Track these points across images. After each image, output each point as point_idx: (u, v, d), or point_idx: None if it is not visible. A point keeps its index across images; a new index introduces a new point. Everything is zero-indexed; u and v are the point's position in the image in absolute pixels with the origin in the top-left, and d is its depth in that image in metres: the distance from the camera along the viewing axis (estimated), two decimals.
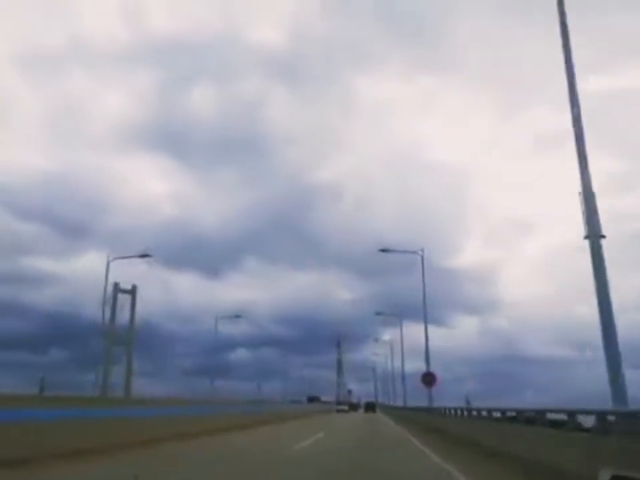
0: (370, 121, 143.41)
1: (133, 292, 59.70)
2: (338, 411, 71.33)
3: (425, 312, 31.66)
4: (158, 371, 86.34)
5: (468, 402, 48.05)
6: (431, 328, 30.76)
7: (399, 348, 57.63)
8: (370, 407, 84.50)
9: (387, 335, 75.50)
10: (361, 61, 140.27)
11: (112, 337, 57.24)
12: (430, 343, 31.37)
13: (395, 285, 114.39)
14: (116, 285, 58.90)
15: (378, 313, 56.21)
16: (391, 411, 65.17)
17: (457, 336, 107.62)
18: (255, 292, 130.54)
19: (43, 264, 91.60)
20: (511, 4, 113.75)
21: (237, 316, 60.51)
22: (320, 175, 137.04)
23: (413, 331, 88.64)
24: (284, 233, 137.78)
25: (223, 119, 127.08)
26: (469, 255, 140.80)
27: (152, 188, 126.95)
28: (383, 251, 32.58)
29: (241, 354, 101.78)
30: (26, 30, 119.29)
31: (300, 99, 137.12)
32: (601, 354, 8.84)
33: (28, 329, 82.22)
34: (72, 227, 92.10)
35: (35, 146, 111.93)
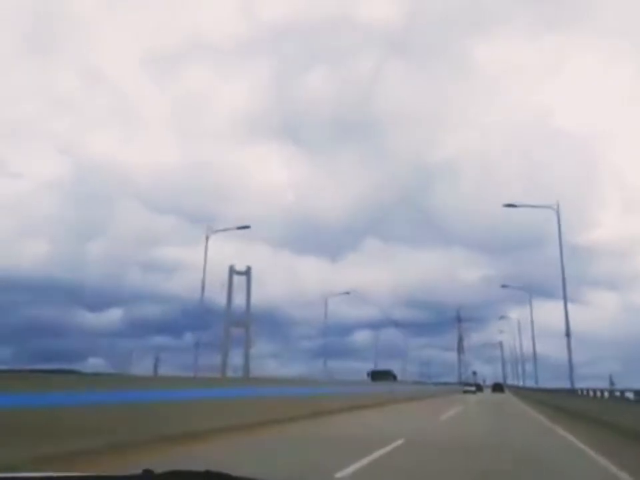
0: (491, 89, 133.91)
1: (247, 273, 59.98)
2: (465, 391, 68.79)
3: (563, 277, 27.29)
4: (282, 353, 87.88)
5: (612, 383, 42.71)
6: (560, 304, 26.33)
7: (526, 327, 54.03)
8: (497, 388, 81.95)
9: (514, 313, 69.46)
10: (480, 26, 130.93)
11: (229, 318, 57.99)
12: (560, 321, 27.00)
13: (522, 261, 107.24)
14: (231, 268, 59.55)
15: (504, 286, 51.63)
16: (521, 392, 61.59)
17: (593, 313, 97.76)
18: (375, 273, 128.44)
19: (176, 253, 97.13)
20: None
21: (347, 293, 58.67)
22: (439, 151, 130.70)
23: (543, 310, 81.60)
24: (404, 212, 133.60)
25: (339, 100, 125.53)
26: (605, 227, 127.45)
27: (273, 175, 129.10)
28: (509, 206, 28.39)
29: (362, 335, 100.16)
30: (148, 31, 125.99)
31: (416, 74, 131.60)
32: None
33: (167, 315, 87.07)
34: (200, 217, 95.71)
35: (163, 142, 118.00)
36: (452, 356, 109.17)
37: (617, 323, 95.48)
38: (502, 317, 73.55)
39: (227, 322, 57.50)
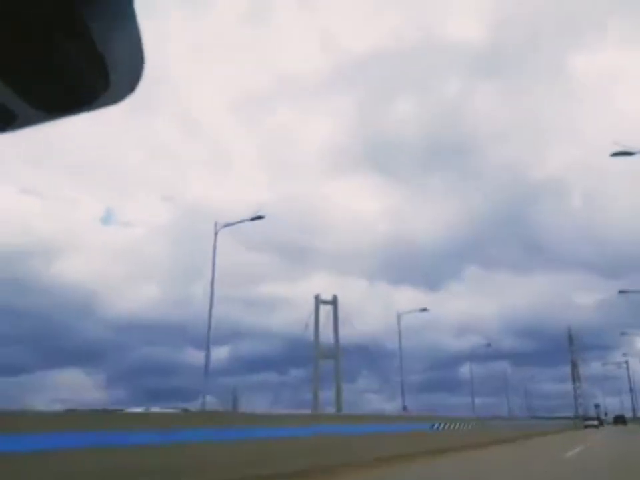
0: (592, 101, 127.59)
1: (334, 303, 57.29)
2: (586, 426, 63.04)
3: None
4: (384, 388, 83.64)
5: None
6: None
7: None
8: (619, 420, 79.56)
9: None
10: (574, 36, 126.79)
11: (318, 350, 55.15)
12: None
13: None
14: (317, 297, 57.14)
15: (622, 291, 45.28)
16: None
17: None
18: (478, 301, 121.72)
19: (274, 289, 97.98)
20: None
21: (423, 309, 53.78)
22: (540, 170, 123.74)
23: None
24: (505, 236, 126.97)
25: (428, 126, 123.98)
26: None
27: (364, 207, 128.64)
28: (620, 154, 24.24)
29: (467, 368, 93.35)
30: (237, 76, 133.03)
31: (508, 91, 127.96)
32: None
33: (271, 351, 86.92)
34: (296, 253, 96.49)
35: (254, 182, 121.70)
36: (568, 387, 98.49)
37: None
38: (623, 333, 65.06)
39: (316, 355, 54.67)
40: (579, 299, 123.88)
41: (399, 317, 49.18)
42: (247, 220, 29.20)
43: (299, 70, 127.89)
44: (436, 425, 20.82)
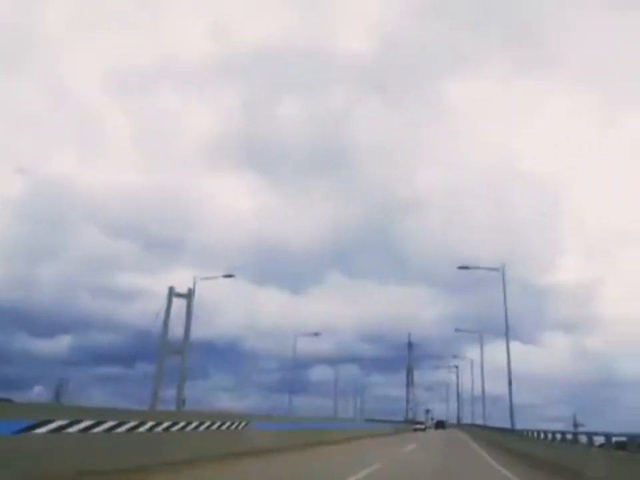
0: (463, 129, 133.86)
1: (188, 296, 55.67)
2: (415, 429, 70.70)
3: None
4: (239, 387, 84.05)
5: (576, 425, 40.59)
6: (518, 345, 28.32)
7: (478, 366, 52.60)
8: (440, 425, 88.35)
9: (470, 352, 67.79)
10: (455, 67, 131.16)
11: (165, 344, 53.67)
12: (517, 362, 27.50)
13: (482, 301, 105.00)
14: (171, 290, 55.18)
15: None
16: (469, 429, 63.79)
17: (548, 355, 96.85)
18: (338, 308, 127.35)
19: (133, 280, 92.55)
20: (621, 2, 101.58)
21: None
22: (409, 188, 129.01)
23: (498, 350, 79.83)
24: (370, 247, 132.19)
25: (311, 132, 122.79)
26: (564, 269, 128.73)
27: (238, 204, 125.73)
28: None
29: (320, 371, 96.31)
30: (115, 50, 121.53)
31: (390, 109, 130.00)
32: None
33: (121, 343, 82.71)
34: (161, 244, 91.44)
35: (125, 164, 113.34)
36: (404, 392, 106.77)
37: (567, 365, 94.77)
38: (455, 356, 71.57)
39: (161, 350, 53.20)
40: (426, 311, 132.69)
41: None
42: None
43: (186, 55, 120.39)
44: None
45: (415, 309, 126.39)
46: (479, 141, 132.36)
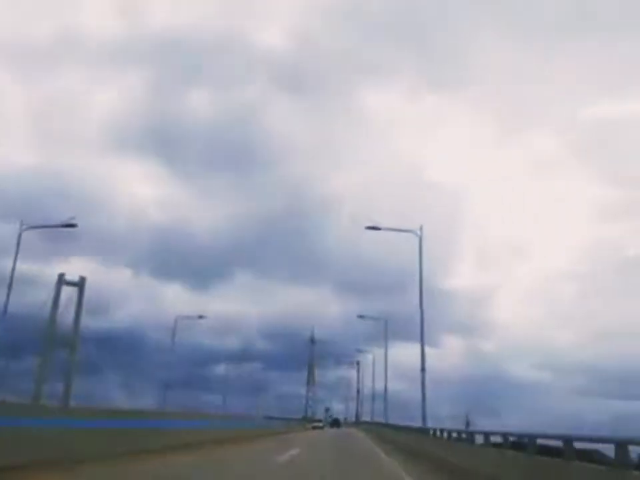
0: (375, 136, 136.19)
1: (80, 284, 52.09)
2: (314, 427, 71.76)
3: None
4: (137, 383, 79.02)
5: (468, 423, 41.63)
6: (417, 347, 24.88)
7: (380, 363, 53.18)
8: (335, 423, 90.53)
9: (373, 354, 69.40)
10: (369, 74, 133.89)
11: (52, 335, 49.67)
12: (415, 363, 25.73)
13: (388, 304, 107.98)
14: (60, 277, 51.32)
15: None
16: (368, 426, 63.46)
17: (445, 357, 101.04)
18: (245, 306, 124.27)
19: (22, 266, 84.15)
20: (524, 29, 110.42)
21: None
22: (320, 190, 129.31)
23: (399, 351, 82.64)
24: (279, 247, 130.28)
25: (221, 125, 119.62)
26: (463, 277, 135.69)
27: (140, 193, 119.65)
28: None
29: (223, 368, 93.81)
30: (15, 22, 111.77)
31: (303, 110, 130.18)
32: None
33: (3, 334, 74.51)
34: (55, 230, 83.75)
35: (19, 142, 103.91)
36: (312, 392, 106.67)
37: (462, 366, 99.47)
38: (358, 350, 72.35)
39: (47, 341, 49.18)
40: (333, 311, 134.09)
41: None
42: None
43: (92, 32, 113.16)
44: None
45: (321, 308, 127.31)
46: (391, 149, 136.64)
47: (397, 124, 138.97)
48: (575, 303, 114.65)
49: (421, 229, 25.75)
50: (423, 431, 21.60)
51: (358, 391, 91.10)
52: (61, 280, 51.01)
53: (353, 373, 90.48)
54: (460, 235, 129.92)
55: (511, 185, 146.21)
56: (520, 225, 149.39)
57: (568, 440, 7.59)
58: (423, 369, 24.88)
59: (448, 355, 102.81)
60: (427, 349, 25.14)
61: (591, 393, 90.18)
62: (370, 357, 67.14)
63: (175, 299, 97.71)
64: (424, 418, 24.22)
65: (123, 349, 73.17)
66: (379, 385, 61.95)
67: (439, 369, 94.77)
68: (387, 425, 43.81)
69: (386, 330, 46.52)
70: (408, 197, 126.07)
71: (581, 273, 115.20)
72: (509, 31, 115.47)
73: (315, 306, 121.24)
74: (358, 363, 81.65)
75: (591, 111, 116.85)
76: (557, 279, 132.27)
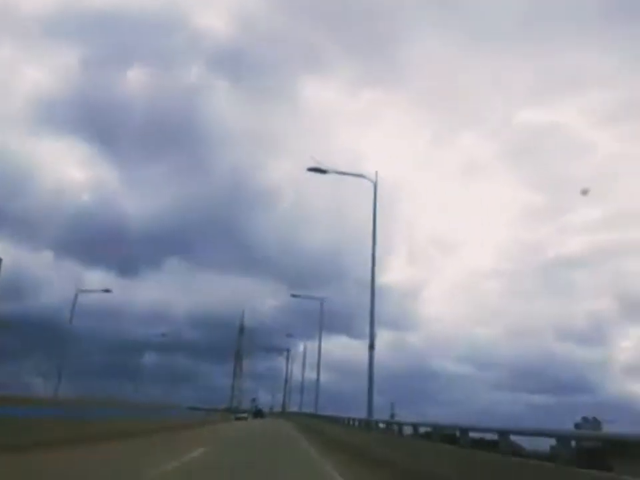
0: (315, 127, 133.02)
1: None
2: (237, 418, 68.74)
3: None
4: (54, 371, 71.44)
5: (393, 415, 39.19)
6: (345, 340, 21.44)
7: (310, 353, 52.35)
8: (258, 414, 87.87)
9: (304, 346, 65.91)
10: (310, 65, 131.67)
11: None
12: (343, 356, 21.53)
13: (324, 295, 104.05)
14: None
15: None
16: (294, 417, 63.23)
17: (376, 350, 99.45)
18: (176, 295, 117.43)
19: None
20: (466, 33, 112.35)
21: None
22: (257, 178, 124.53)
23: (327, 345, 79.75)
24: (213, 235, 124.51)
25: (157, 106, 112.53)
26: (393, 271, 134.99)
27: (70, 174, 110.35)
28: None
29: (148, 357, 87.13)
30: None
31: (243, 96, 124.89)
32: None
33: None
34: None
35: None
36: (244, 383, 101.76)
37: (391, 358, 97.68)
38: (289, 335, 67.71)
39: None
40: (267, 303, 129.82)
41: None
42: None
43: (24, 4, 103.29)
44: None
45: (254, 298, 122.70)
46: (329, 141, 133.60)
47: (335, 116, 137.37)
48: (497, 300, 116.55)
49: (376, 174, 21.53)
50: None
51: (286, 380, 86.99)
52: None
53: (283, 364, 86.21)
54: (393, 231, 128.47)
55: (443, 184, 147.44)
56: (450, 224, 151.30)
57: (504, 433, 7.87)
58: (371, 346, 20.61)
59: (376, 347, 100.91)
60: (355, 342, 22.23)
61: (507, 387, 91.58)
62: (301, 347, 64.32)
63: (99, 285, 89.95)
64: (370, 406, 20.28)
65: (38, 334, 66.59)
66: (310, 376, 58.28)
67: (366, 361, 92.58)
68: (315, 416, 41.27)
69: (321, 312, 42.84)
70: (342, 189, 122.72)
71: (504, 272, 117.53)
72: (452, 33, 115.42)
73: (248, 296, 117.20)
74: (288, 351, 77.09)
75: (524, 116, 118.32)
76: (481, 277, 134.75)
